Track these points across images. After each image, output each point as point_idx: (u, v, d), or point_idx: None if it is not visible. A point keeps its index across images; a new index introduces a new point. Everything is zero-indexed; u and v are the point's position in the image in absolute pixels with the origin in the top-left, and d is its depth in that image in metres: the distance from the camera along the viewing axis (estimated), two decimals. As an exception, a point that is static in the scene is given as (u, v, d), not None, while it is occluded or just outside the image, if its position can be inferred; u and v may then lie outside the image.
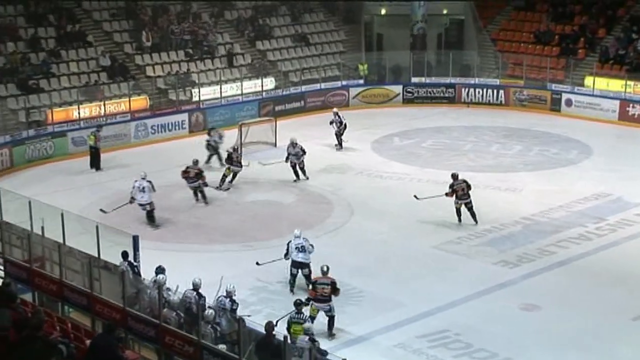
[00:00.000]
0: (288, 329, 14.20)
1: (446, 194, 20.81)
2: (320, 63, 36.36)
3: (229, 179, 23.95)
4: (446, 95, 36.64)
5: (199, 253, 19.56)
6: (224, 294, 14.45)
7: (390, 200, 22.99)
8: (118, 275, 14.16)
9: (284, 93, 34.29)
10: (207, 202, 22.59)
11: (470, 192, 20.85)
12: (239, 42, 35.71)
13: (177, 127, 30.85)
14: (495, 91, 36.01)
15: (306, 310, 14.86)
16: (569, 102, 34.11)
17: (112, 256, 15.10)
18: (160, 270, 14.91)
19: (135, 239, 15.82)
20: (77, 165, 26.69)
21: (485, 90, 36.12)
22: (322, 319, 15.42)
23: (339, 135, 27.89)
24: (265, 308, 16.57)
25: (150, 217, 21.01)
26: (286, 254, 17.31)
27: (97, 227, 15.25)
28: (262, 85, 33.76)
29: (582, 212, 22.16)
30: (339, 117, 27.92)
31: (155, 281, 14.44)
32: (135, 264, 15.16)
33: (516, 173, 26.11)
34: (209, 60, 34.27)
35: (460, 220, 20.73)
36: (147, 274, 15.21)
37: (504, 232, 20.92)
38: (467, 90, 36.18)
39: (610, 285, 17.98)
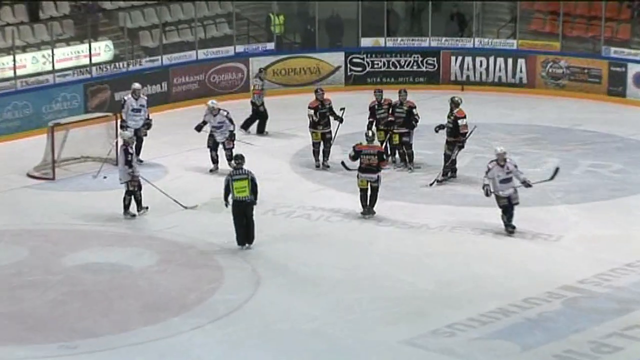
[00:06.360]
0: (227, 193, 18.44)
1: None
2: (197, 14, 30.85)
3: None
4: (423, 68, 31.06)
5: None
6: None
7: (328, 258, 19.03)
8: None
9: (132, 69, 28.61)
10: None
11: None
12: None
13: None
14: (510, 62, 30.48)
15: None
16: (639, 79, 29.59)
17: None
18: None
19: None
20: None
21: (492, 60, 30.50)
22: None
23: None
24: None
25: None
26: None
27: None
28: (90, 55, 28.05)
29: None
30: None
31: None
32: None
33: (550, 207, 21.73)
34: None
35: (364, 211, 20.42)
36: None
37: (530, 314, 16.97)
38: (460, 60, 30.66)
39: None
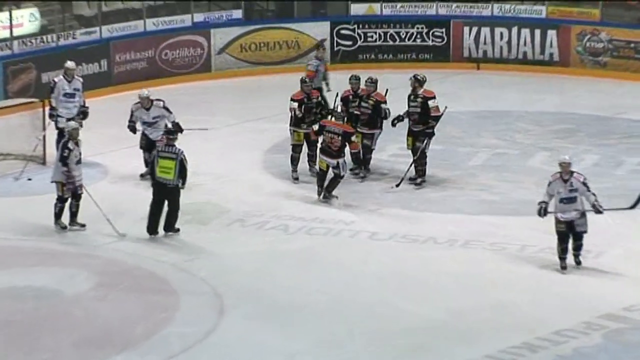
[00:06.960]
0: (153, 169, 17.83)
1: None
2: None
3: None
4: (429, 42, 28.72)
5: None
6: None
7: (310, 280, 16.81)
8: None
9: (63, 43, 26.02)
10: None
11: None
12: None
13: None
14: (538, 34, 28.02)
15: None
16: (697, 57, 29.30)
17: None
18: None
19: None
20: None
21: (515, 31, 28.12)
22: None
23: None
24: None
25: None
26: None
27: None
28: (10, 27, 25.43)
29: None
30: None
31: None
32: None
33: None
34: None
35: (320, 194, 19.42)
36: None
37: (563, 349, 14.84)
38: (475, 30, 28.13)
39: None
